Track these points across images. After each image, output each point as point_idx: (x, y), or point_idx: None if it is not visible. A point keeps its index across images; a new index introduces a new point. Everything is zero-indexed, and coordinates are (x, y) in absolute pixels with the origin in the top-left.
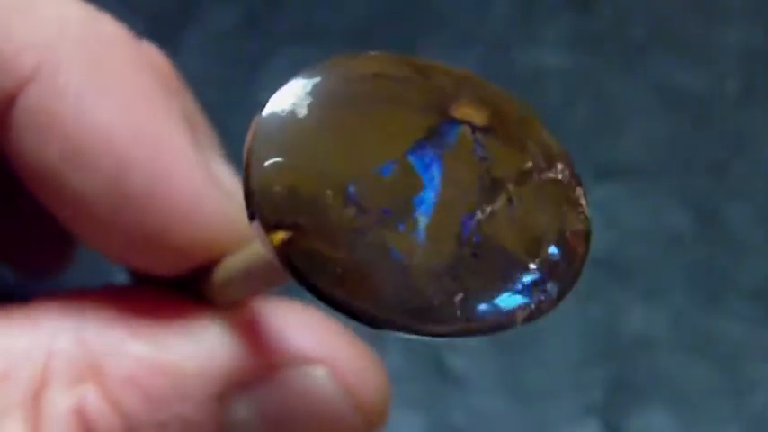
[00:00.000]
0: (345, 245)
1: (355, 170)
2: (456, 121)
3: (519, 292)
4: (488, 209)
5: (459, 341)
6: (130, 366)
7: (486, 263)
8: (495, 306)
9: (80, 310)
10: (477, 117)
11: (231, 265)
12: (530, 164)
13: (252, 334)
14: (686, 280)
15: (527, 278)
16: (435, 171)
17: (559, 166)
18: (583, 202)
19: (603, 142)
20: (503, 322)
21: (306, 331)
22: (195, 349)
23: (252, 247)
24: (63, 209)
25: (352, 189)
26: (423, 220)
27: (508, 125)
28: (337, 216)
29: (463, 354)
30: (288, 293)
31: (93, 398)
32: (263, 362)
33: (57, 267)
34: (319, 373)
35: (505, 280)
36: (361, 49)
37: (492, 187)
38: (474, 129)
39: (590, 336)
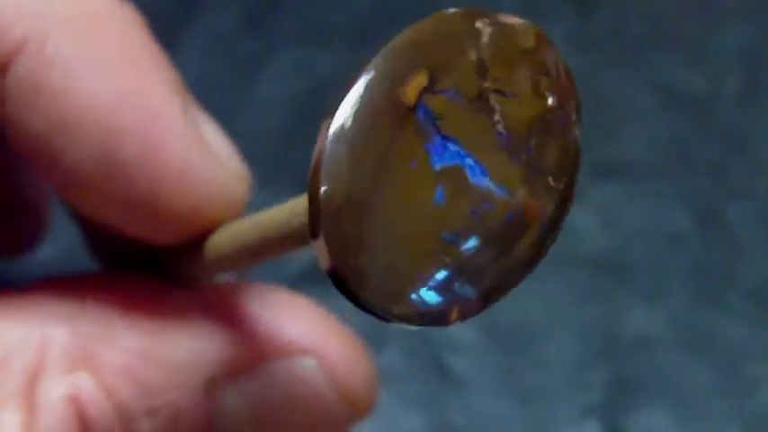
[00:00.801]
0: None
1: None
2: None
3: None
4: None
5: (459, 340)
6: (124, 355)
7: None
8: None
9: (73, 299)
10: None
11: (233, 232)
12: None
13: (241, 324)
14: (686, 280)
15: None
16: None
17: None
18: (574, 133)
19: (603, 142)
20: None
21: (294, 320)
22: (187, 338)
23: (269, 214)
24: (54, 177)
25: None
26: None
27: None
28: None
29: (463, 354)
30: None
31: (87, 386)
32: (253, 351)
33: (23, 247)
34: (308, 364)
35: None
36: (361, 49)
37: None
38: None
39: (590, 336)
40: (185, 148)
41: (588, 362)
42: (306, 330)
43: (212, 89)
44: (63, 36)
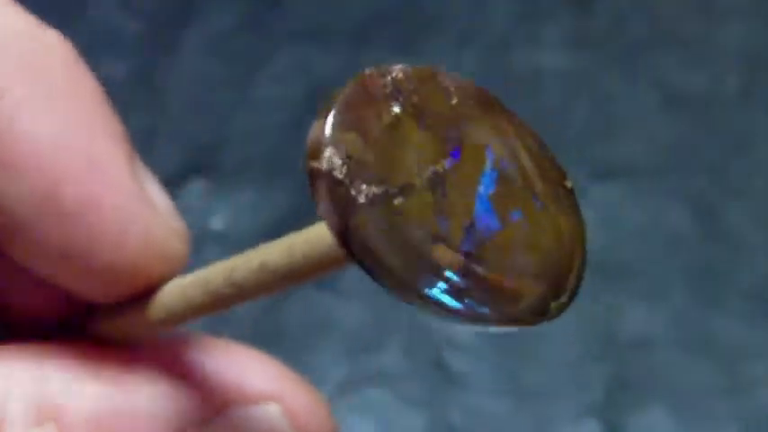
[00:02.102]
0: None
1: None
2: None
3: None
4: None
5: (459, 340)
6: (90, 407)
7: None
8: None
9: (37, 351)
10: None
11: (184, 288)
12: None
13: (202, 374)
14: (686, 280)
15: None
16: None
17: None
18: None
19: (603, 142)
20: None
21: (255, 371)
22: (151, 390)
23: (246, 258)
24: None
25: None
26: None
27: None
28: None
29: (463, 353)
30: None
31: None
32: (218, 400)
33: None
34: (273, 410)
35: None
36: (361, 49)
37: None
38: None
39: (590, 336)
40: (126, 201)
41: (588, 362)
42: (266, 379)
43: (212, 89)
44: (12, 78)
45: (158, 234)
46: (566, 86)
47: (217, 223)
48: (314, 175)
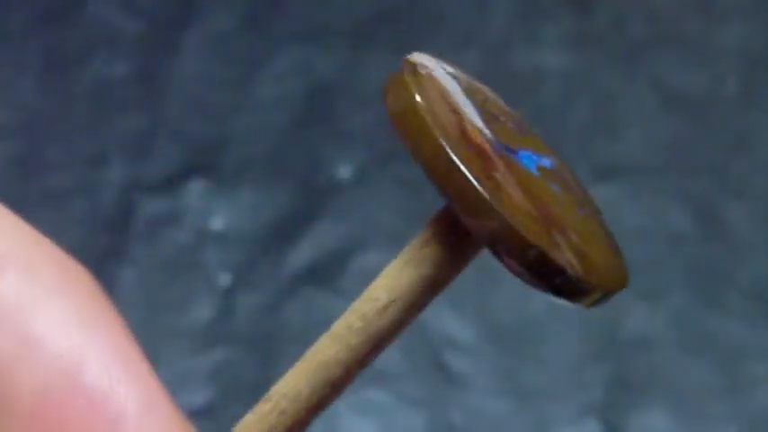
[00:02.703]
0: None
1: None
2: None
3: None
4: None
5: (459, 340)
6: None
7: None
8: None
9: None
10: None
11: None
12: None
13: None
14: (686, 280)
15: None
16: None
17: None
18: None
19: (603, 142)
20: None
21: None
22: None
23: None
24: None
25: None
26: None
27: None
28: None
29: (463, 353)
30: None
31: None
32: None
33: None
34: None
35: None
36: (361, 49)
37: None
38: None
39: (590, 336)
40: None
41: (588, 361)
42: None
43: (212, 89)
44: (43, 296)
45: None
46: (566, 86)
47: (217, 223)
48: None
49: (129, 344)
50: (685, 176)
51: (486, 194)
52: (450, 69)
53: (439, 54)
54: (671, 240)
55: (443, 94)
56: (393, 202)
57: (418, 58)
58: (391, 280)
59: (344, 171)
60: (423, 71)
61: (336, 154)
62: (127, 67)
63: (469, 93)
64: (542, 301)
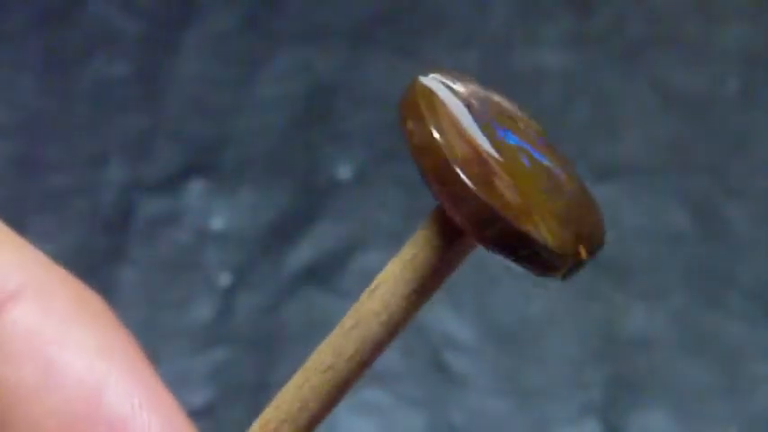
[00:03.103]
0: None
1: None
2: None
3: None
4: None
5: (459, 340)
6: None
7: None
8: None
9: None
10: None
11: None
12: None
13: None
14: (686, 280)
15: None
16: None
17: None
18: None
19: (603, 142)
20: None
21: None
22: None
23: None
24: None
25: None
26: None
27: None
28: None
29: (463, 353)
30: None
31: None
32: None
33: None
34: None
35: None
36: (361, 49)
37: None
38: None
39: (590, 335)
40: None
41: (588, 361)
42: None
43: (212, 89)
44: (28, 310)
45: None
46: (566, 86)
47: (217, 223)
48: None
49: (148, 369)
50: (685, 176)
51: (486, 198)
52: (461, 89)
53: (441, 56)
54: (671, 240)
55: (456, 123)
56: (393, 202)
57: (431, 82)
58: (385, 288)
59: (344, 171)
60: (437, 98)
61: (336, 154)
62: (127, 67)
63: (483, 113)
64: (542, 302)
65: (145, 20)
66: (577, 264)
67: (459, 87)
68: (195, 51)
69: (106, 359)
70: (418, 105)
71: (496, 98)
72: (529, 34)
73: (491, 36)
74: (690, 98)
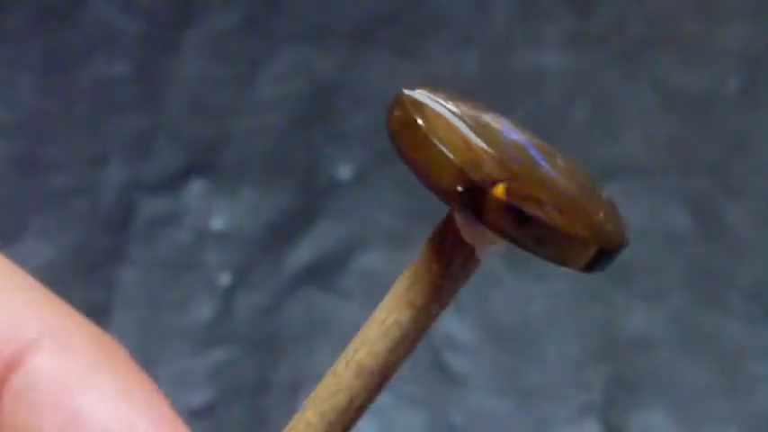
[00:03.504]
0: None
1: None
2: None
3: None
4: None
5: (459, 340)
6: None
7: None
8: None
9: None
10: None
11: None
12: None
13: None
14: (686, 280)
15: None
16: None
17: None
18: None
19: (603, 142)
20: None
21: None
22: None
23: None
24: None
25: None
26: None
27: None
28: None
29: (463, 353)
30: None
31: None
32: None
33: None
34: None
35: None
36: (361, 49)
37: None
38: None
39: (590, 335)
40: None
41: (588, 361)
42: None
43: (212, 89)
44: (52, 359)
45: None
46: (566, 86)
47: (217, 223)
48: None
49: (172, 414)
50: (685, 176)
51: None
52: (450, 106)
53: (441, 56)
54: (671, 240)
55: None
56: (393, 202)
57: (420, 96)
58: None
59: (344, 171)
60: (429, 111)
61: (336, 154)
62: (127, 67)
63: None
64: (542, 302)
65: (145, 20)
66: (606, 255)
67: (446, 102)
68: (195, 51)
69: (131, 405)
70: (413, 120)
71: (476, 105)
72: (529, 34)
73: (491, 36)
74: (690, 98)
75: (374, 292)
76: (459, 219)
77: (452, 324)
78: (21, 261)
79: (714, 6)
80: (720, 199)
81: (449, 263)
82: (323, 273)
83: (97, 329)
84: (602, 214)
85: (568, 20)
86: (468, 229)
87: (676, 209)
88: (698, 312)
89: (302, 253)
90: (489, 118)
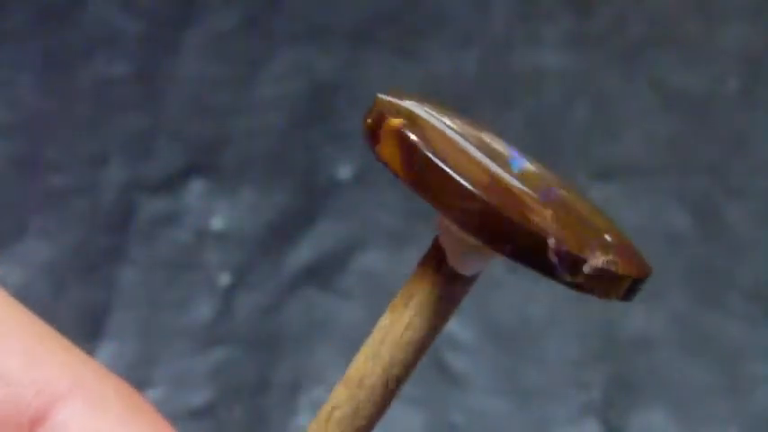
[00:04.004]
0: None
1: None
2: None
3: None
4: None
5: (459, 340)
6: None
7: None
8: None
9: None
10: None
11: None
12: None
13: None
14: (686, 280)
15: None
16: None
17: None
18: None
19: (603, 142)
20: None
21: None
22: None
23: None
24: None
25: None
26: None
27: None
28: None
29: (463, 353)
30: None
31: None
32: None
33: None
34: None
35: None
36: (361, 49)
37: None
38: None
39: (589, 335)
40: None
41: (588, 361)
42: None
43: (212, 89)
44: (80, 414)
45: None
46: (566, 86)
47: (217, 223)
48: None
49: None
50: (685, 176)
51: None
52: (448, 122)
53: (441, 56)
54: (671, 240)
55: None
56: (393, 202)
57: (412, 107)
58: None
59: (344, 171)
60: (423, 124)
61: (336, 154)
62: (127, 67)
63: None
64: (542, 302)
65: (145, 20)
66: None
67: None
68: (195, 51)
69: None
70: (406, 137)
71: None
72: (529, 34)
73: (491, 36)
74: (690, 98)
75: (374, 292)
76: (445, 244)
77: (452, 324)
78: (21, 261)
79: (714, 6)
80: (720, 199)
81: (438, 286)
82: (323, 273)
83: (125, 384)
84: (630, 244)
85: (568, 20)
86: (454, 256)
87: (676, 209)
88: (698, 312)
89: (302, 253)
90: (497, 145)
